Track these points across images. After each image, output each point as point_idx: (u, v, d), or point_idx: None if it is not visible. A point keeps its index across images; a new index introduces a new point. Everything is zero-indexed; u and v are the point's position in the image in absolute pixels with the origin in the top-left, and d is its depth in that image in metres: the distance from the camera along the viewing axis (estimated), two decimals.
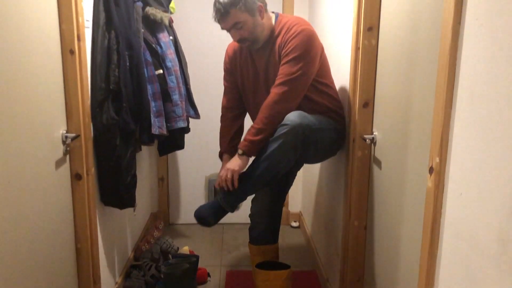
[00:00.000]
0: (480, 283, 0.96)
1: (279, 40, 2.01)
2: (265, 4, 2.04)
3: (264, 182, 2.00)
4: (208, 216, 2.03)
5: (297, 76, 1.91)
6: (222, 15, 1.95)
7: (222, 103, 2.34)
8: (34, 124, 1.54)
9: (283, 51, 1.96)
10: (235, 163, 1.98)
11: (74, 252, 1.93)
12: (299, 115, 1.89)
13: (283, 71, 1.93)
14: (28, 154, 1.50)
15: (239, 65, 2.20)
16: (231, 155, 2.12)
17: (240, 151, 1.99)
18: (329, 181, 2.54)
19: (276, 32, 2.03)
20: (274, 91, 1.94)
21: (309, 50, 1.93)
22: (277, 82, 1.94)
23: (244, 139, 1.98)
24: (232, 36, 2.05)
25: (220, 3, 1.93)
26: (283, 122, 1.89)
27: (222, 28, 2.04)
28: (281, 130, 1.88)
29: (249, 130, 1.98)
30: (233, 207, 2.03)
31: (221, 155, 2.29)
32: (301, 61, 1.91)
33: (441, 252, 1.11)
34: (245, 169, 2.01)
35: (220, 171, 2.08)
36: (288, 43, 1.94)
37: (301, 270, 2.80)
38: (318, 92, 2.05)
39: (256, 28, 1.99)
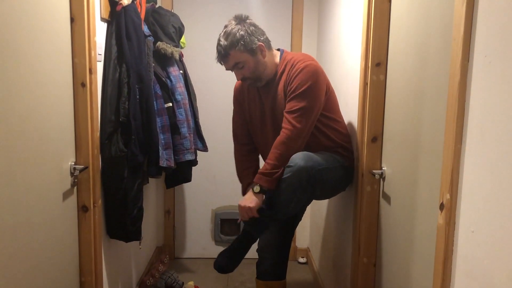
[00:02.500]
0: None
1: (284, 76, 2.02)
2: (268, 42, 2.05)
3: (279, 220, 2.01)
4: (227, 263, 2.04)
5: (304, 112, 1.90)
6: (223, 57, 1.99)
7: (235, 138, 2.32)
8: (43, 155, 1.55)
9: (289, 88, 1.97)
10: (251, 200, 1.91)
11: (78, 286, 1.90)
12: (303, 157, 1.87)
13: (290, 107, 1.93)
14: (36, 185, 1.50)
15: (247, 101, 2.21)
16: None
17: (257, 189, 1.91)
18: (337, 217, 2.51)
19: (281, 69, 2.05)
20: (284, 128, 1.93)
21: (314, 84, 1.93)
22: (285, 118, 1.93)
23: (263, 174, 1.90)
24: (235, 76, 2.08)
25: (220, 45, 1.98)
26: (288, 163, 1.88)
27: (226, 69, 2.08)
28: (286, 173, 1.87)
29: (264, 166, 1.93)
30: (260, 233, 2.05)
31: (245, 189, 2.19)
32: (307, 96, 1.91)
33: None
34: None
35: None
36: (293, 80, 1.95)
37: None
38: (325, 126, 2.05)
39: (257, 67, 2.01)
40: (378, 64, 1.85)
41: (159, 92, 2.39)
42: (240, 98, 2.26)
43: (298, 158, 1.88)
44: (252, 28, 1.98)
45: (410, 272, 1.55)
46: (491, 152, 0.94)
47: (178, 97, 2.50)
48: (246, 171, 2.22)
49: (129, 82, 2.02)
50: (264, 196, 1.93)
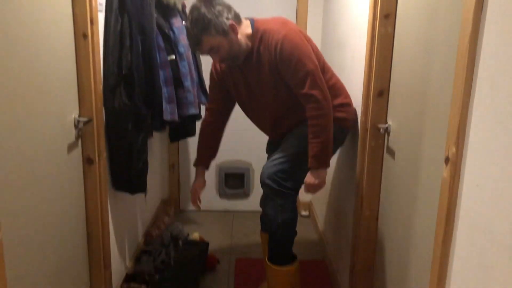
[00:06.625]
0: (495, 274, 0.94)
1: (263, 50, 1.96)
2: (238, 17, 1.97)
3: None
4: None
5: (310, 78, 1.89)
6: (196, 44, 1.94)
7: (207, 109, 2.37)
8: (47, 108, 1.54)
9: (281, 67, 1.93)
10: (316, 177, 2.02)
11: (85, 236, 1.94)
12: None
13: (295, 83, 1.92)
14: (40, 138, 1.50)
15: (227, 75, 2.17)
16: (207, 168, 2.39)
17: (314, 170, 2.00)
18: (341, 170, 2.52)
19: (257, 42, 1.98)
20: (306, 104, 1.92)
21: (300, 51, 1.90)
22: (300, 95, 1.92)
23: (313, 157, 1.94)
24: (212, 59, 2.08)
25: (190, 33, 1.92)
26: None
27: (201, 54, 2.06)
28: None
29: (310, 148, 1.94)
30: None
31: (196, 165, 2.39)
32: (302, 65, 1.88)
33: (455, 243, 1.09)
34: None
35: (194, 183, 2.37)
36: (280, 58, 1.91)
37: (310, 260, 2.80)
38: None
39: (232, 47, 1.95)
40: (386, 16, 1.79)
41: (161, 44, 2.34)
42: (219, 74, 2.22)
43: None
44: (218, 8, 1.90)
45: (413, 225, 1.57)
46: (500, 105, 0.93)
47: (181, 50, 2.45)
48: (205, 150, 2.39)
49: (131, 33, 1.98)
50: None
